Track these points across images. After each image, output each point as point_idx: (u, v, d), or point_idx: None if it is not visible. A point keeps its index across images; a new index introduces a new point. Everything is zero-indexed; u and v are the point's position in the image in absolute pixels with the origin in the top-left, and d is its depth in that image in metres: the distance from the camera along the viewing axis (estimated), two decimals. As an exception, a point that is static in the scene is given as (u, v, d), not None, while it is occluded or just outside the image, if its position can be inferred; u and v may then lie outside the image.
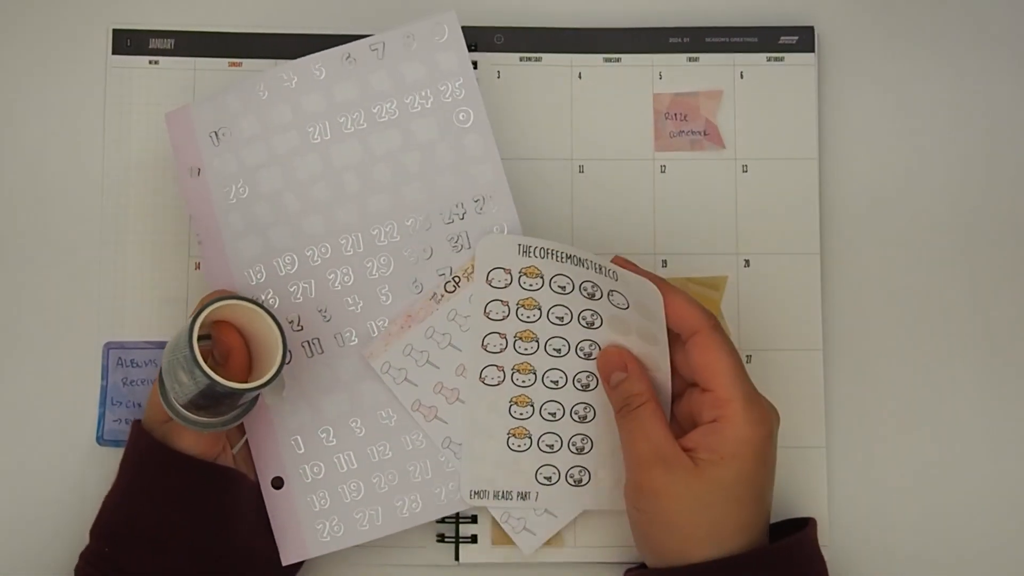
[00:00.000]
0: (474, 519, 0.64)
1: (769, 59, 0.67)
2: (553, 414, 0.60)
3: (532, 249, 0.59)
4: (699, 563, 0.55)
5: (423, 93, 0.62)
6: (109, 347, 0.65)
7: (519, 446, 0.60)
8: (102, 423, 0.64)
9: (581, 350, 0.59)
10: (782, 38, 0.67)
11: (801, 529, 0.57)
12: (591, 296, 0.59)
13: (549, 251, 0.59)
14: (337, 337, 0.62)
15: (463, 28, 0.63)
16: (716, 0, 0.68)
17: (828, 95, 0.67)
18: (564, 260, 0.59)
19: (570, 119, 0.67)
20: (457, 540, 0.63)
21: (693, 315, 0.56)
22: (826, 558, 0.58)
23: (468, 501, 0.60)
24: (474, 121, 0.62)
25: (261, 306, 0.56)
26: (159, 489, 0.58)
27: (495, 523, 0.63)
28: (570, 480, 0.60)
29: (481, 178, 0.62)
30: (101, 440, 0.64)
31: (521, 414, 0.60)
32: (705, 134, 0.66)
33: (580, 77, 0.67)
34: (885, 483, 0.65)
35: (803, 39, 0.67)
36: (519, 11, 0.68)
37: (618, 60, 0.67)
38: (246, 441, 0.61)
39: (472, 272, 0.60)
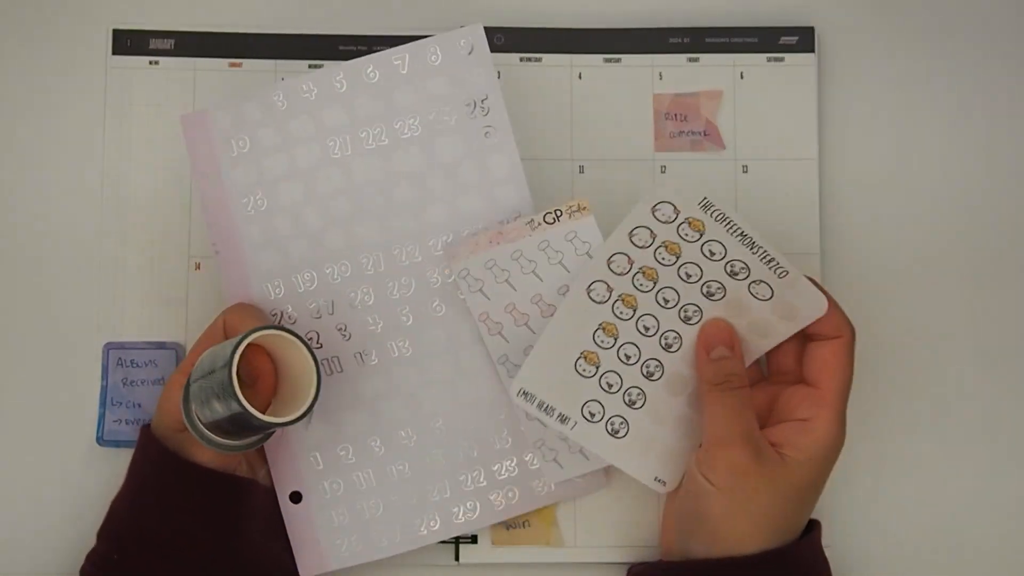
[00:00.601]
0: (474, 519, 0.64)
1: (769, 59, 0.67)
2: (628, 357, 0.59)
3: (713, 209, 0.58)
4: (709, 559, 0.55)
5: (447, 109, 0.61)
6: (109, 347, 0.65)
7: (584, 371, 0.59)
8: (102, 423, 0.64)
9: (684, 311, 0.58)
10: (782, 38, 0.67)
11: (809, 532, 0.58)
12: (732, 274, 0.58)
13: (728, 219, 0.58)
14: (357, 357, 0.61)
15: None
16: (716, 0, 0.68)
17: (828, 95, 0.67)
18: (736, 235, 0.58)
19: (570, 119, 0.67)
20: (457, 540, 0.63)
21: (842, 321, 0.58)
22: (827, 559, 0.58)
23: (514, 398, 0.58)
24: (500, 140, 0.61)
25: (300, 339, 0.55)
26: (172, 498, 0.57)
27: (495, 523, 0.63)
28: (609, 427, 0.59)
29: (506, 201, 0.61)
30: (101, 440, 0.64)
31: (602, 342, 0.59)
32: (705, 134, 0.66)
33: (580, 77, 0.67)
34: (885, 484, 0.65)
35: (803, 39, 0.67)
36: (519, 11, 0.68)
37: (618, 60, 0.67)
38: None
39: (576, 210, 0.60)
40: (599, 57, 0.67)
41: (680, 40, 0.67)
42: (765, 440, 0.56)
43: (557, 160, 0.66)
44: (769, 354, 0.60)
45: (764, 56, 0.67)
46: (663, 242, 0.58)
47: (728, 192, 0.66)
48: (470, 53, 0.61)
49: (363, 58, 0.61)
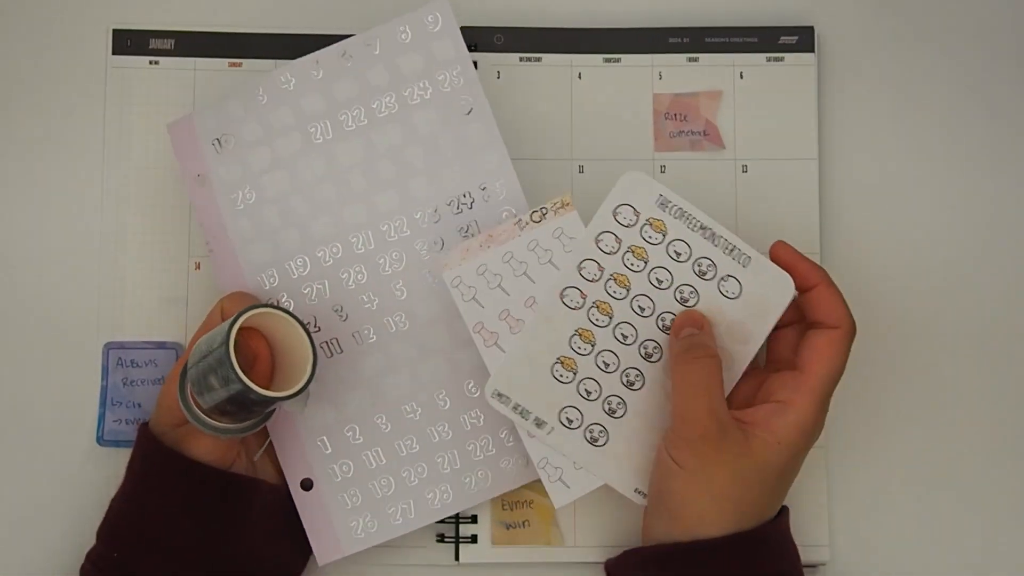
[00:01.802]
0: (474, 519, 0.64)
1: (769, 59, 0.67)
2: (607, 364, 0.59)
3: (670, 206, 0.58)
4: (678, 544, 0.55)
5: (421, 84, 0.62)
6: (109, 347, 0.65)
7: (561, 376, 0.59)
8: (102, 423, 0.64)
9: (662, 320, 0.59)
10: (782, 38, 0.67)
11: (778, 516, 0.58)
12: (701, 274, 0.58)
13: (686, 214, 0.58)
14: (355, 336, 0.62)
15: (463, 28, 0.63)
16: (716, 0, 0.68)
17: (828, 95, 0.67)
18: (696, 229, 0.58)
19: (570, 119, 0.67)
20: (457, 540, 0.63)
21: (843, 313, 0.58)
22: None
23: (488, 398, 0.59)
24: (475, 108, 0.62)
25: (293, 316, 0.56)
26: (172, 497, 0.57)
27: (495, 523, 0.63)
28: (587, 435, 0.59)
29: (486, 165, 0.62)
30: (101, 440, 0.64)
31: (579, 348, 0.59)
32: (705, 134, 0.66)
33: (580, 77, 0.67)
34: (885, 484, 0.65)
35: (803, 39, 0.67)
36: (519, 11, 0.68)
37: (618, 60, 0.67)
38: (269, 444, 0.61)
39: (560, 207, 0.60)
40: (599, 57, 0.67)
41: (680, 40, 0.67)
42: (731, 419, 0.56)
43: (557, 160, 0.66)
44: (769, 345, 0.60)
45: (764, 56, 0.67)
46: (629, 247, 0.59)
47: (728, 192, 0.66)
48: (437, 28, 0.62)
49: (336, 44, 0.62)
